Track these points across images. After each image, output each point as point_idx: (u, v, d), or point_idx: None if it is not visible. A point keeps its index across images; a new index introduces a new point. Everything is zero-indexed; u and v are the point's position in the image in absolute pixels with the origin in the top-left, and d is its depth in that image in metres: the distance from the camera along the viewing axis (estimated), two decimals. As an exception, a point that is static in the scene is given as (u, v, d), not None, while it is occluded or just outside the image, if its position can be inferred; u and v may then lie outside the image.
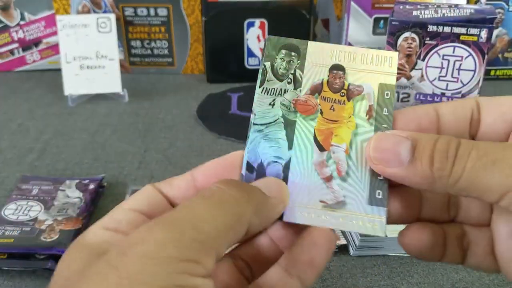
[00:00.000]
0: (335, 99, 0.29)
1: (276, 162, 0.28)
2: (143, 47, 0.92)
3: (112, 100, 0.82)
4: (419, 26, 0.63)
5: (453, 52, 0.63)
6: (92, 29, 0.78)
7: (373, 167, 0.27)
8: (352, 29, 0.83)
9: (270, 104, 0.29)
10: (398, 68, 0.66)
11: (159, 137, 0.71)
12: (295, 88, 0.30)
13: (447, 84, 0.65)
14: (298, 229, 0.28)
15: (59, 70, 0.80)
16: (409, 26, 0.63)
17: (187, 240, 0.21)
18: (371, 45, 0.84)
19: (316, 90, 0.30)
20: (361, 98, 0.29)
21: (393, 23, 0.64)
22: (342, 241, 0.49)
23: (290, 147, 0.29)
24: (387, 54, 0.30)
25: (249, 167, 0.28)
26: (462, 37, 0.62)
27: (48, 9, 0.90)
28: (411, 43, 0.64)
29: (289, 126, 0.29)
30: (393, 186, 0.28)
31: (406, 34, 0.63)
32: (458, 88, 0.65)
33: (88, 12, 0.88)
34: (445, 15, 0.63)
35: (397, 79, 0.66)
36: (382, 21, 0.83)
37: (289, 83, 0.30)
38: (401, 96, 0.67)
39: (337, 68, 0.30)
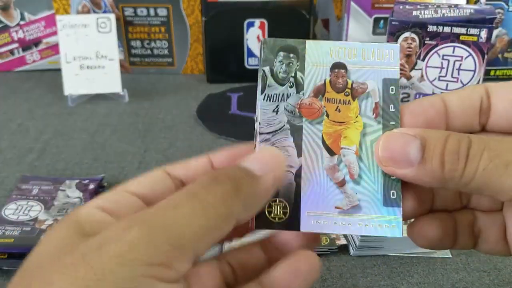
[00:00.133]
0: (340, 100, 0.29)
1: (287, 171, 0.28)
2: (143, 47, 0.92)
3: (112, 100, 0.82)
4: (419, 26, 0.63)
5: (453, 52, 0.63)
6: (92, 29, 0.78)
7: (384, 168, 0.27)
8: (352, 29, 0.84)
9: (274, 111, 0.28)
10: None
11: (159, 137, 0.71)
12: (297, 92, 0.29)
13: (447, 84, 0.65)
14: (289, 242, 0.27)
15: (59, 70, 0.80)
16: (409, 26, 0.63)
17: (161, 243, 0.21)
18: (371, 45, 0.84)
19: (320, 91, 0.29)
20: (366, 96, 0.29)
21: (393, 23, 0.64)
22: (342, 241, 0.49)
23: (299, 154, 0.28)
24: (388, 47, 0.29)
25: None
26: (462, 37, 0.62)
27: (48, 9, 0.90)
28: (411, 43, 0.64)
29: (296, 132, 0.28)
30: (406, 183, 0.27)
31: (406, 34, 0.64)
32: (458, 88, 0.65)
33: (88, 12, 0.88)
34: (445, 15, 0.64)
35: (397, 79, 0.66)
36: (382, 21, 0.83)
37: (291, 87, 0.29)
38: (401, 96, 0.67)
39: (338, 67, 0.29)
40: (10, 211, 0.52)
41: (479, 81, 0.64)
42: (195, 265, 0.23)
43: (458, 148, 0.24)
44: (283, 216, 0.27)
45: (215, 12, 0.84)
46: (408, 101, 0.67)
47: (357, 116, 0.28)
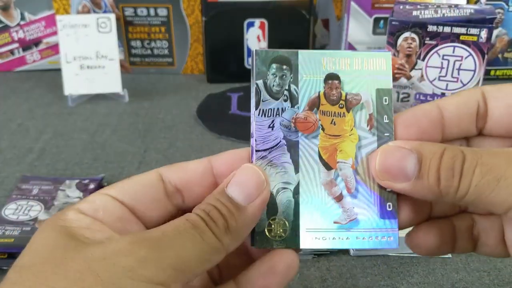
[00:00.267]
0: (335, 112, 0.29)
1: (285, 188, 0.28)
2: (143, 47, 0.92)
3: (112, 100, 0.82)
4: (419, 26, 0.63)
5: (453, 52, 0.63)
6: (92, 29, 0.78)
7: (380, 183, 0.27)
8: (352, 29, 0.84)
9: (269, 127, 0.28)
10: (398, 68, 0.66)
11: (159, 137, 0.71)
12: (292, 106, 0.28)
13: (447, 84, 0.65)
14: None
15: (59, 70, 0.80)
16: (409, 26, 0.63)
17: (166, 265, 0.22)
18: (371, 45, 0.84)
19: (314, 104, 0.29)
20: (360, 108, 0.29)
21: (393, 23, 0.64)
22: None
23: (296, 170, 0.28)
24: (380, 56, 0.29)
25: None
26: (462, 37, 0.62)
27: (48, 9, 0.90)
28: (411, 43, 0.64)
29: (293, 148, 0.28)
30: (401, 194, 0.28)
31: (406, 34, 0.64)
32: (458, 88, 0.65)
33: (88, 12, 0.88)
34: (445, 15, 0.64)
35: (397, 79, 0.66)
36: (382, 21, 0.83)
37: (285, 100, 0.28)
38: (401, 96, 0.67)
39: (332, 78, 0.29)
40: (10, 211, 0.52)
41: (479, 81, 0.64)
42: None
43: (453, 164, 0.24)
44: (283, 234, 0.27)
45: (215, 12, 0.84)
46: (408, 101, 0.67)
47: (352, 129, 0.28)
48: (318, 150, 0.28)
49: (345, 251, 0.49)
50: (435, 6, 0.65)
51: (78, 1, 0.88)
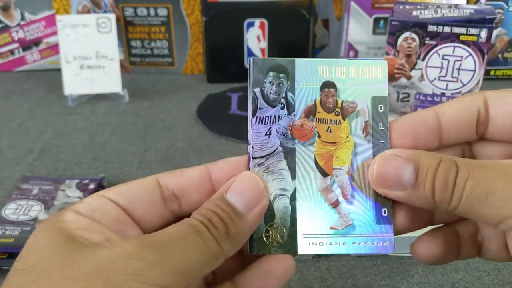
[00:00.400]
0: (331, 120, 0.29)
1: (282, 194, 0.28)
2: (143, 47, 0.92)
3: (112, 100, 0.82)
4: (419, 26, 0.63)
5: (453, 52, 0.63)
6: (92, 29, 0.78)
7: (377, 190, 0.28)
8: (352, 29, 0.84)
9: (266, 134, 0.29)
10: (398, 68, 0.66)
11: (159, 137, 0.71)
12: (289, 113, 0.29)
13: (447, 84, 0.65)
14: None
15: (59, 70, 0.80)
16: (409, 26, 0.63)
17: (172, 270, 0.23)
18: (371, 45, 0.84)
19: (311, 112, 0.29)
20: (356, 115, 0.29)
21: (393, 23, 0.64)
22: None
23: (293, 176, 0.28)
24: (376, 64, 0.29)
25: None
26: (462, 37, 0.62)
27: (48, 9, 0.90)
28: (411, 43, 0.64)
29: (289, 155, 0.29)
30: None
31: (406, 34, 0.64)
32: (458, 88, 0.65)
33: (88, 12, 0.88)
34: (445, 15, 0.64)
35: (397, 79, 0.66)
36: (382, 21, 0.83)
37: (282, 108, 0.29)
38: (401, 96, 0.67)
39: (328, 86, 0.29)
40: (10, 211, 0.52)
41: (479, 81, 0.64)
42: None
43: (446, 177, 0.25)
44: (280, 240, 0.28)
45: (215, 12, 0.84)
46: (408, 101, 0.67)
47: (347, 136, 0.29)
48: (315, 157, 0.29)
49: (345, 251, 0.49)
50: (435, 6, 0.66)
51: (78, 1, 0.88)
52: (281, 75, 0.29)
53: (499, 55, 0.88)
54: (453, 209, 0.25)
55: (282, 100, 0.29)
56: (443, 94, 0.66)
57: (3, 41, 0.91)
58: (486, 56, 0.62)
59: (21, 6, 0.89)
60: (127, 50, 0.92)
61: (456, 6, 0.65)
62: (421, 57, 0.64)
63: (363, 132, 0.29)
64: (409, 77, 0.66)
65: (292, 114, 0.29)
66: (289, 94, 0.29)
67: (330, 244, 0.28)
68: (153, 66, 0.94)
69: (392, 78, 0.66)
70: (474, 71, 0.63)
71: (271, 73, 0.29)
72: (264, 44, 0.87)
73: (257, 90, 0.29)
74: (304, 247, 0.28)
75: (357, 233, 0.28)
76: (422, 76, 0.65)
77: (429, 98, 0.66)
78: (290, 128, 0.29)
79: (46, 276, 0.22)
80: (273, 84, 0.29)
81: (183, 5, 0.88)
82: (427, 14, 0.64)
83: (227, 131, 0.72)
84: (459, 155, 0.30)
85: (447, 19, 0.63)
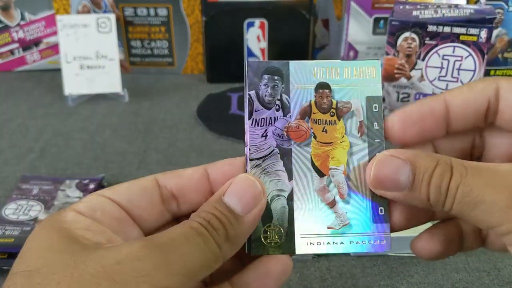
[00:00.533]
0: (326, 120, 0.29)
1: (279, 195, 0.29)
2: (143, 47, 0.92)
3: (112, 100, 0.82)
4: (419, 26, 0.63)
5: (453, 52, 0.63)
6: (92, 29, 0.78)
7: (374, 190, 0.28)
8: (352, 29, 0.84)
9: (263, 136, 0.29)
10: (398, 68, 0.66)
11: (159, 137, 0.71)
12: (284, 115, 0.29)
13: (447, 84, 0.65)
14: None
15: (59, 70, 0.80)
16: (409, 26, 0.63)
17: (176, 271, 0.23)
18: (371, 45, 0.84)
19: (306, 113, 0.29)
20: (351, 115, 0.29)
21: (393, 23, 0.64)
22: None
23: (290, 177, 0.29)
24: (370, 64, 0.30)
25: None
26: (462, 37, 0.62)
27: (48, 9, 0.90)
28: (411, 43, 0.64)
29: (286, 156, 0.29)
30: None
31: (406, 34, 0.64)
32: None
33: (88, 12, 0.88)
34: (445, 15, 0.64)
35: (397, 79, 0.66)
36: (382, 21, 0.83)
37: (277, 110, 0.29)
38: (401, 96, 0.67)
39: (322, 87, 0.29)
40: (10, 210, 0.52)
41: (479, 81, 0.64)
42: None
43: (441, 181, 0.25)
44: (278, 240, 0.28)
45: (215, 12, 0.84)
46: (408, 101, 0.67)
47: (343, 136, 0.29)
48: (311, 158, 0.29)
49: (345, 251, 0.49)
50: (435, 6, 0.66)
51: (78, 1, 0.88)
52: (276, 77, 0.29)
53: (499, 55, 0.88)
54: (447, 212, 0.26)
55: (278, 102, 0.29)
56: (443, 94, 0.66)
57: (3, 41, 0.91)
58: (486, 56, 0.62)
59: (21, 6, 0.89)
60: (127, 50, 0.92)
61: (456, 6, 0.65)
62: (421, 57, 0.64)
63: (358, 132, 0.29)
64: (409, 77, 0.66)
65: (287, 116, 0.29)
66: (284, 96, 0.29)
67: (327, 243, 0.28)
68: (153, 66, 0.94)
69: (392, 78, 0.66)
70: (474, 71, 0.63)
71: (266, 76, 0.29)
72: (264, 44, 0.87)
73: (253, 92, 0.29)
74: (302, 247, 0.28)
75: (354, 232, 0.28)
76: (422, 76, 0.65)
77: (429, 98, 0.66)
78: (286, 129, 0.29)
79: (51, 277, 0.22)
80: (268, 87, 0.29)
81: (183, 5, 0.88)
82: (427, 14, 0.64)
83: (227, 131, 0.72)
84: (469, 141, 0.30)
85: (447, 19, 0.63)
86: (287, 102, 0.29)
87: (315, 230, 0.28)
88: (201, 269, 0.24)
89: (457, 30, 0.62)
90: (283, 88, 0.29)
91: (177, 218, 0.29)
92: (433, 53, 0.64)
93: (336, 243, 0.28)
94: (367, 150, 0.29)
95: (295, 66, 0.29)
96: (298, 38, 0.87)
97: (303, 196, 0.29)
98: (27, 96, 0.84)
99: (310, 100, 0.29)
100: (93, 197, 0.27)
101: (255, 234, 0.28)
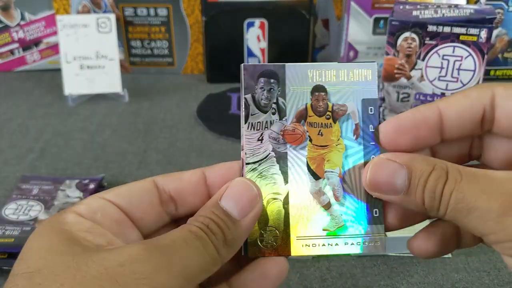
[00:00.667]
0: (322, 123, 0.29)
1: (275, 198, 0.29)
2: (143, 47, 0.92)
3: (112, 100, 0.82)
4: (419, 26, 0.63)
5: (453, 52, 0.63)
6: (92, 29, 0.78)
7: (371, 193, 0.28)
8: (352, 29, 0.84)
9: (259, 140, 0.29)
10: (398, 68, 0.66)
11: (159, 137, 0.71)
12: (280, 118, 0.29)
13: (447, 84, 0.65)
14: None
15: (59, 70, 0.80)
16: (409, 26, 0.63)
17: (177, 274, 0.23)
18: (371, 45, 0.84)
19: (302, 116, 0.29)
20: (347, 118, 0.29)
21: (393, 23, 0.64)
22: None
23: (286, 180, 0.29)
24: (366, 66, 0.30)
25: None
26: (462, 37, 0.62)
27: (48, 9, 0.90)
28: (411, 43, 0.64)
29: (282, 159, 0.29)
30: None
31: (406, 34, 0.64)
32: (458, 88, 0.65)
33: (88, 12, 0.88)
34: (445, 15, 0.64)
35: (397, 79, 0.66)
36: (382, 21, 0.83)
37: (273, 113, 0.29)
38: (401, 96, 0.67)
39: (318, 90, 0.29)
40: (10, 210, 0.52)
41: (479, 81, 0.64)
42: None
43: (435, 187, 0.25)
44: (274, 243, 0.28)
45: (215, 12, 0.84)
46: (408, 101, 0.67)
47: (338, 139, 0.29)
48: (307, 161, 0.29)
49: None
50: (435, 6, 0.66)
51: (78, 1, 0.88)
52: (272, 80, 0.29)
53: (499, 55, 0.88)
54: (442, 216, 0.26)
55: (274, 106, 0.29)
56: (443, 94, 0.66)
57: (3, 41, 0.91)
58: (486, 56, 0.62)
59: (21, 6, 0.89)
60: (127, 50, 0.92)
61: (456, 6, 0.65)
62: (421, 57, 0.64)
63: (353, 135, 0.29)
64: (409, 77, 0.66)
65: (283, 119, 0.29)
66: (280, 99, 0.29)
67: (323, 245, 0.29)
68: (153, 66, 0.94)
69: (392, 78, 0.66)
70: (474, 71, 0.63)
71: (262, 79, 0.29)
72: (264, 44, 0.87)
73: (249, 96, 0.29)
74: (298, 249, 0.28)
75: (349, 234, 0.29)
76: (422, 76, 0.65)
77: (429, 98, 0.66)
78: (282, 133, 0.29)
79: (52, 278, 0.22)
80: (264, 90, 0.29)
81: (183, 5, 0.88)
82: (427, 14, 0.64)
83: (227, 131, 0.72)
84: (467, 145, 0.30)
85: (447, 19, 0.63)
86: (283, 106, 0.29)
87: (311, 232, 0.29)
88: (200, 272, 0.24)
89: (457, 30, 0.62)
90: (279, 91, 0.29)
91: (175, 221, 0.30)
92: (433, 53, 0.64)
93: (331, 245, 0.29)
94: (363, 152, 0.29)
95: (291, 69, 0.29)
96: (298, 38, 0.87)
97: (299, 199, 0.29)
98: (27, 96, 0.84)
99: (306, 103, 0.29)
100: (93, 199, 0.27)
101: (251, 237, 0.28)
